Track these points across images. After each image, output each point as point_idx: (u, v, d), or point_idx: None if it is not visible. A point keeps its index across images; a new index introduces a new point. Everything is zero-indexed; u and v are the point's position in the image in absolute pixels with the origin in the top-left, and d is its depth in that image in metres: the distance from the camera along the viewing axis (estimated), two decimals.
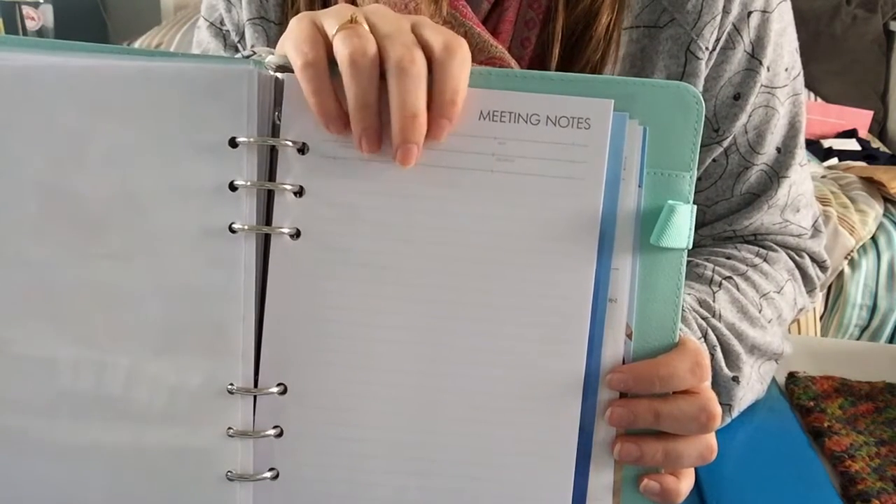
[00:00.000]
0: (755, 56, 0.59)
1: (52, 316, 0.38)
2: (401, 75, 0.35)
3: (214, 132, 0.37)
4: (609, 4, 0.55)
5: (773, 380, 0.64)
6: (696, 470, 0.41)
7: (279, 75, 0.37)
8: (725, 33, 0.57)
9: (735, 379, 0.55)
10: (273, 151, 0.38)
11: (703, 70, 0.57)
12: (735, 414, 0.57)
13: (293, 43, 0.36)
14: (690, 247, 0.38)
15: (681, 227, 0.38)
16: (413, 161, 0.36)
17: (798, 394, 0.63)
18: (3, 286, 0.38)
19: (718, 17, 0.56)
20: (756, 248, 0.63)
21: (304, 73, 0.36)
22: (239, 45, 0.64)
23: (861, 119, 2.38)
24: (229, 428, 0.38)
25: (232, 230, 0.37)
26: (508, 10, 0.56)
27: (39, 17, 2.43)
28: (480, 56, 0.54)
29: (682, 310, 0.40)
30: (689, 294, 0.55)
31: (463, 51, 0.36)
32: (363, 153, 0.36)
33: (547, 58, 0.55)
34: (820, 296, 0.68)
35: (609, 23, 0.55)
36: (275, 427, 0.39)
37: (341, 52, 0.35)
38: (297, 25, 0.37)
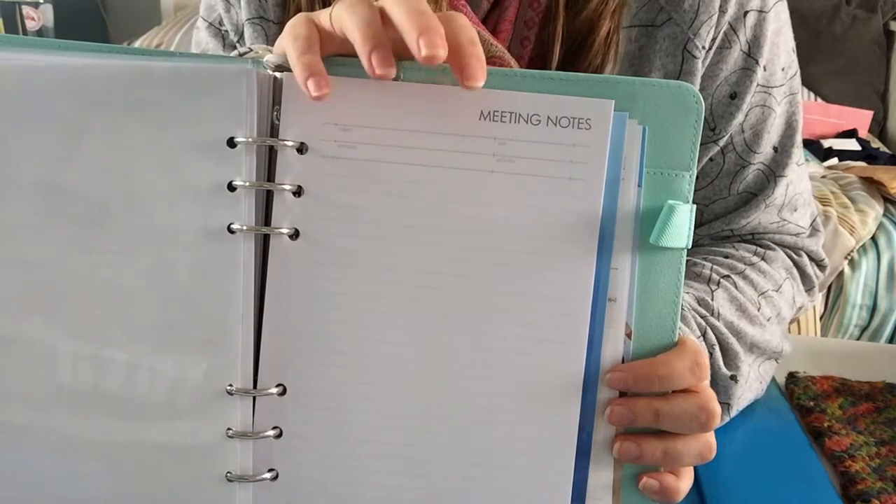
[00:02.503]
0: (751, 55, 0.59)
1: (52, 315, 0.38)
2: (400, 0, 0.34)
3: (213, 132, 0.37)
4: (610, 12, 0.55)
5: (773, 380, 0.64)
6: (695, 469, 0.41)
7: (278, 75, 0.37)
8: (722, 32, 0.57)
9: (733, 378, 0.55)
10: (272, 151, 0.38)
11: (700, 69, 0.58)
12: (734, 413, 0.57)
13: (287, 29, 0.36)
14: (689, 246, 0.38)
15: (680, 226, 0.38)
16: (441, 44, 0.33)
17: (798, 394, 0.63)
18: (3, 285, 0.38)
19: (715, 17, 0.56)
20: (754, 247, 0.63)
21: (294, 43, 0.35)
22: (238, 45, 0.64)
23: (861, 119, 2.38)
24: (229, 428, 0.38)
25: (230, 230, 0.37)
26: (508, 9, 0.56)
27: (39, 17, 2.43)
28: None
29: (682, 308, 0.40)
30: (687, 293, 0.55)
31: (463, 17, 0.36)
32: (375, 74, 0.34)
33: (547, 57, 0.56)
34: (819, 295, 0.68)
35: (609, 29, 0.55)
36: (274, 428, 0.39)
37: (339, 6, 0.35)
38: (293, 21, 0.37)
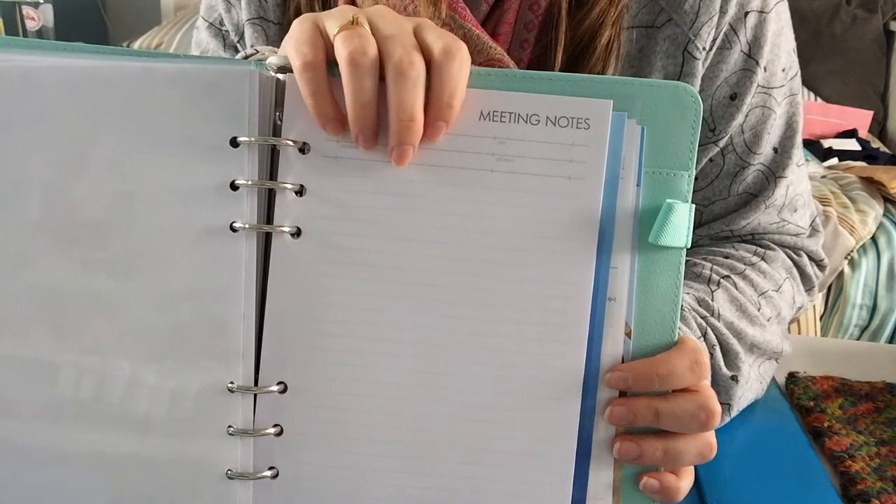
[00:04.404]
0: (752, 56, 0.59)
1: (54, 318, 0.38)
2: (399, 78, 0.35)
3: (216, 132, 0.37)
4: (611, 21, 0.55)
5: (773, 380, 0.64)
6: (695, 469, 0.41)
7: (280, 76, 0.37)
8: (722, 33, 0.57)
9: (734, 378, 0.55)
10: (274, 151, 0.38)
11: (700, 70, 0.58)
12: (734, 413, 0.57)
13: (293, 44, 0.36)
14: (689, 245, 0.39)
15: (679, 225, 0.38)
16: (407, 161, 0.37)
17: (798, 394, 0.63)
18: (5, 290, 0.38)
19: (716, 18, 0.56)
20: (754, 248, 0.63)
21: (302, 74, 0.36)
22: (238, 46, 0.64)
23: (861, 119, 2.38)
24: (229, 426, 0.38)
25: (233, 229, 0.37)
26: (508, 11, 0.56)
27: (39, 17, 2.43)
28: (480, 58, 0.54)
29: (682, 309, 0.40)
30: (687, 293, 0.56)
31: (462, 54, 0.36)
32: (360, 149, 0.37)
33: (548, 62, 0.56)
34: (819, 295, 0.68)
35: (611, 35, 0.55)
36: (275, 426, 0.39)
37: (341, 51, 0.35)
38: (299, 27, 0.37)
